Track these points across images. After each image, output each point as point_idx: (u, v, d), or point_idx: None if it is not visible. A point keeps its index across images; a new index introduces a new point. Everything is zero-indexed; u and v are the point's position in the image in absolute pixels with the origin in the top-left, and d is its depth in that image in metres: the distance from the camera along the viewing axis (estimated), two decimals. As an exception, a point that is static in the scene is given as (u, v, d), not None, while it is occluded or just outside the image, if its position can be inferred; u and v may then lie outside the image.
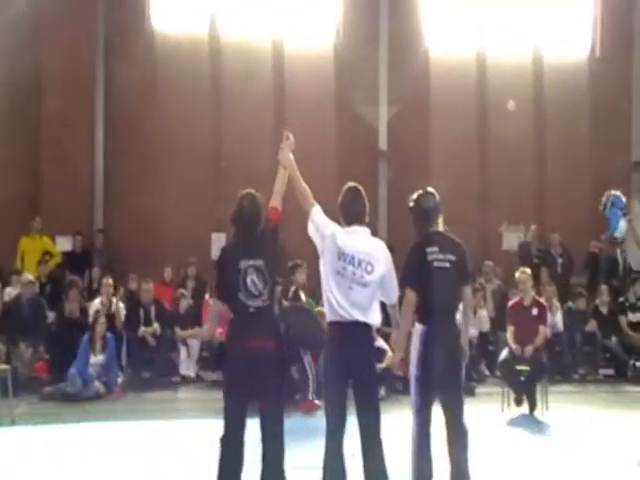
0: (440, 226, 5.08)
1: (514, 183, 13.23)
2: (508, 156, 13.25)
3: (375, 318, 4.63)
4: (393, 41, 13.08)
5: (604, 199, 6.22)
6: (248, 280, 4.55)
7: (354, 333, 4.51)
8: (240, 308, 4.55)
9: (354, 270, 4.52)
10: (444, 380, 4.80)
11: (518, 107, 13.02)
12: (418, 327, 4.89)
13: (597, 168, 13.09)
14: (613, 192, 6.20)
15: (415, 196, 5.06)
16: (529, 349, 8.05)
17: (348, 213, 4.67)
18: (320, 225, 4.63)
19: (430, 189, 5.08)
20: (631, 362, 10.46)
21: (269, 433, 4.52)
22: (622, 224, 6.23)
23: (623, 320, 10.88)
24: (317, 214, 4.65)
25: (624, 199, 6.25)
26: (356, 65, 12.87)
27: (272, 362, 4.53)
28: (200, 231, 12.28)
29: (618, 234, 6.66)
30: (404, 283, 4.88)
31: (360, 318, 4.52)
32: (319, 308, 4.86)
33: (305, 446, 5.67)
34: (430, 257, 4.82)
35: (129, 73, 12.22)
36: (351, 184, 4.79)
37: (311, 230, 4.68)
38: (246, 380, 4.50)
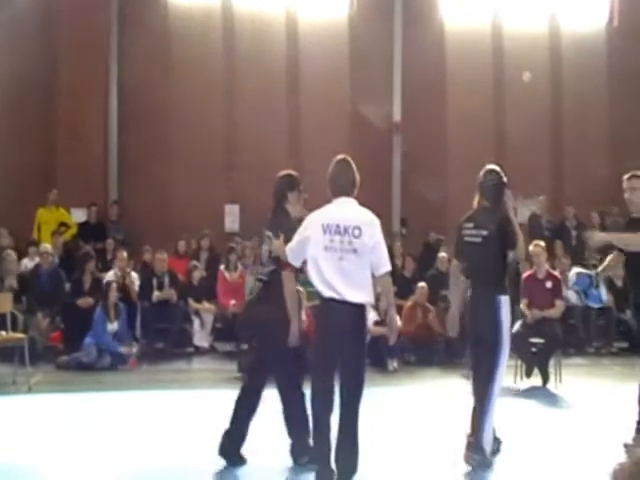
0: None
1: (530, 155, 13.09)
2: (524, 127, 13.09)
3: (367, 296, 4.47)
4: (407, 11, 12.91)
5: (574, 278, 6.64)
6: (263, 249, 4.94)
7: (343, 311, 4.37)
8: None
9: (341, 238, 4.39)
10: (475, 342, 5.32)
11: (535, 77, 12.84)
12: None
13: (615, 139, 12.92)
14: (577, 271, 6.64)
15: None
16: (537, 312, 8.14)
17: (335, 185, 4.59)
18: (298, 241, 4.54)
19: (490, 166, 5.40)
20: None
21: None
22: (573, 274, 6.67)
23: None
24: (290, 247, 4.56)
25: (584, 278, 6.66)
26: (370, 35, 12.72)
27: (267, 331, 4.81)
28: (214, 202, 12.29)
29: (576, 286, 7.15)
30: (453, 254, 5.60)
31: (351, 298, 4.36)
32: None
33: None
34: (464, 232, 5.33)
35: (143, 43, 12.18)
36: (340, 157, 4.69)
37: (291, 258, 4.60)
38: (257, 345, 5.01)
